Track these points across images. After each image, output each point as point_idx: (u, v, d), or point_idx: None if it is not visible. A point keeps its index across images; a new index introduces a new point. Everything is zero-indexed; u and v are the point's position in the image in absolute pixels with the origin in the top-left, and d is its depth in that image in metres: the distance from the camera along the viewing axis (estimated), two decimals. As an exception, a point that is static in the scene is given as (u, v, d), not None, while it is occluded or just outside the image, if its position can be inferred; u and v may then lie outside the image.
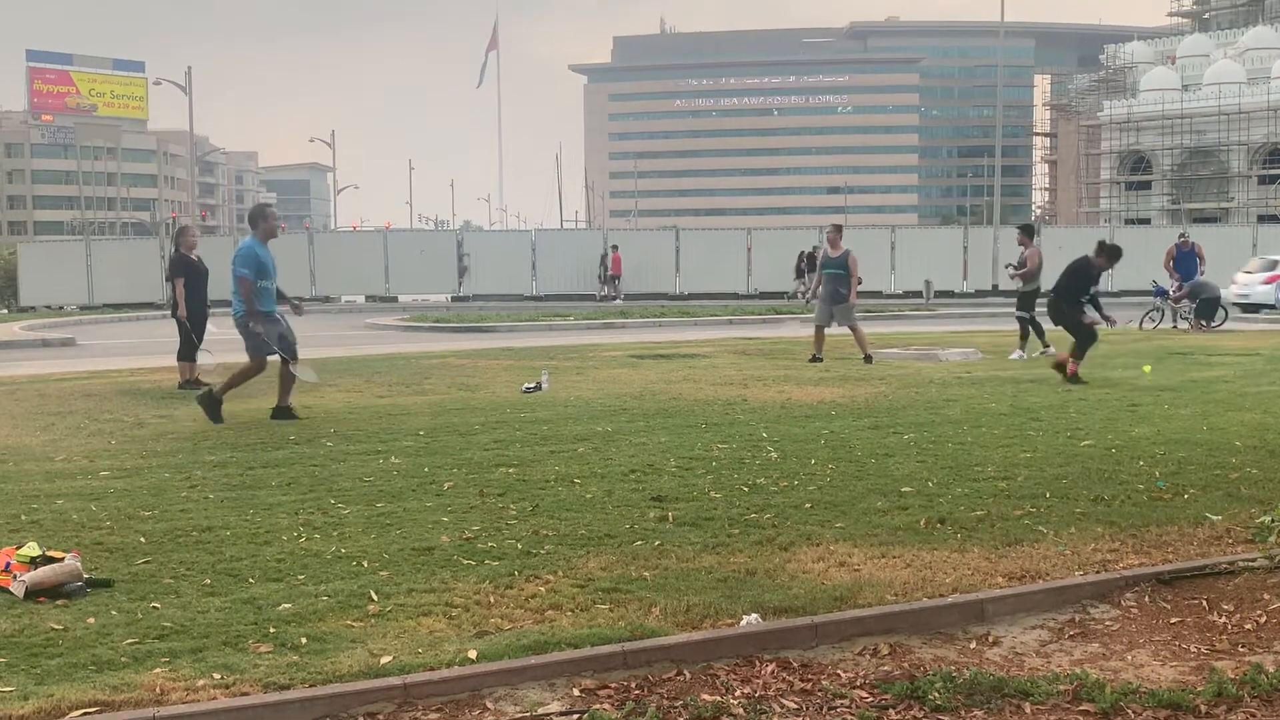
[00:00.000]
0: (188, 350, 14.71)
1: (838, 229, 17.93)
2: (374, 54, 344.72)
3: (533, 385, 13.64)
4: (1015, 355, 17.73)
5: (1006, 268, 19.37)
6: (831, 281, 17.33)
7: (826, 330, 17.45)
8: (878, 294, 41.41)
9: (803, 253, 41.00)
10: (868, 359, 16.66)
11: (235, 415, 11.72)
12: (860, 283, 18.10)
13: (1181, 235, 27.75)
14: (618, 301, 40.42)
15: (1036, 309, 17.90)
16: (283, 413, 11.43)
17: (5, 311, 39.29)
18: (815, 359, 16.94)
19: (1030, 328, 18.02)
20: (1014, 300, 18.76)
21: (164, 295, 29.67)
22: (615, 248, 41.98)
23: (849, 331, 17.43)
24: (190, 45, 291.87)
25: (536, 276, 43.00)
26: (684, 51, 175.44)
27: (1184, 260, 25.63)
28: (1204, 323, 24.43)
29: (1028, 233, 18.96)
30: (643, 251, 43.62)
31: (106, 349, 22.54)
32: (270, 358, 11.60)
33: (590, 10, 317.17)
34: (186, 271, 14.84)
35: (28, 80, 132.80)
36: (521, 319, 30.41)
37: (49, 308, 39.19)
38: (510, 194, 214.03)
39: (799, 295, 39.58)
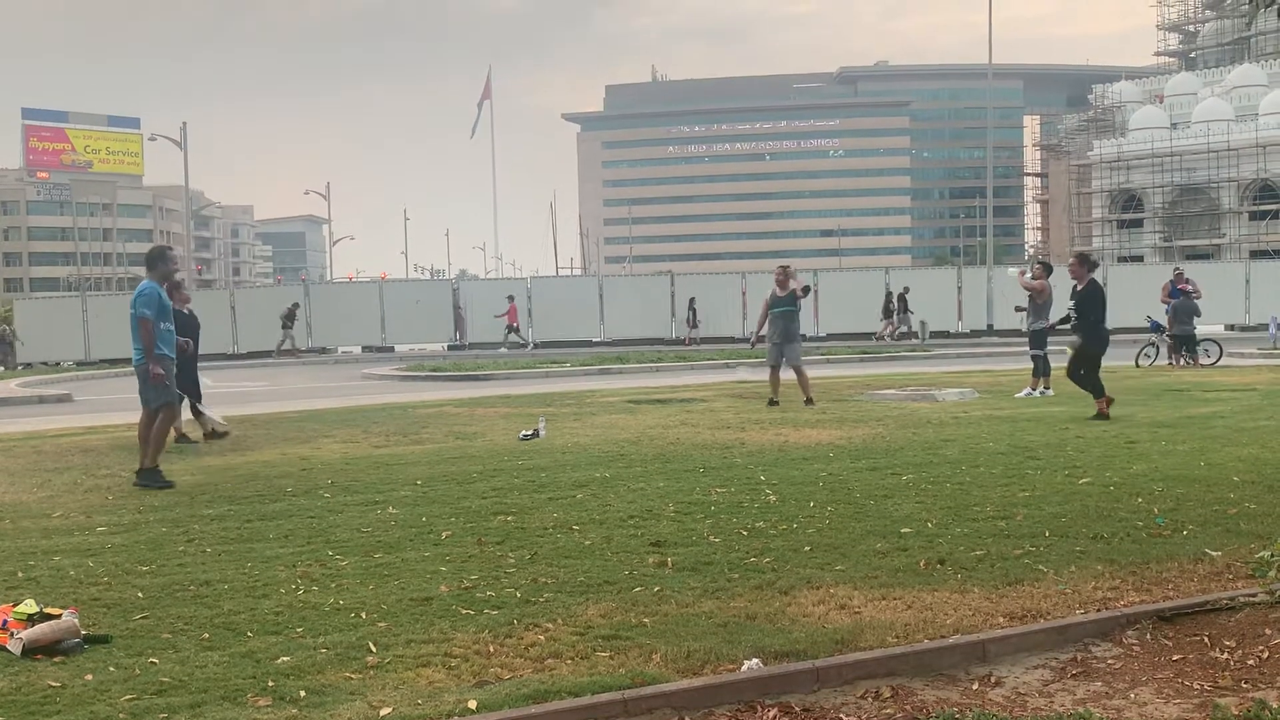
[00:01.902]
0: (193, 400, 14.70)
1: (785, 269, 18.09)
2: (368, 106, 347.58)
3: (530, 432, 13.63)
4: (1024, 393, 17.74)
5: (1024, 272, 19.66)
6: (782, 320, 17.39)
7: (781, 371, 17.52)
8: (872, 335, 41.54)
9: (891, 293, 41.27)
10: (809, 402, 16.82)
11: (233, 468, 11.71)
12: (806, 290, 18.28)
13: (1176, 269, 28.00)
14: (527, 350, 40.59)
15: (1049, 346, 18.10)
16: (152, 476, 10.62)
17: (1, 369, 39.25)
18: (773, 402, 16.96)
19: (1040, 364, 18.08)
20: (1007, 338, 18.84)
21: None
22: (511, 298, 42.14)
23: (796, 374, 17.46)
24: (185, 101, 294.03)
25: (532, 324, 43.06)
26: (675, 99, 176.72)
27: (1178, 295, 25.78)
28: (1188, 357, 24.43)
29: (1047, 270, 19.13)
30: (638, 297, 43.72)
31: (103, 404, 22.50)
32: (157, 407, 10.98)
33: (582, 60, 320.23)
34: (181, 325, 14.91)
35: (23, 138, 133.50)
36: (518, 366, 30.41)
37: (45, 364, 39.17)
38: (505, 242, 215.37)
39: (885, 337, 40.11)
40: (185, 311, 15.16)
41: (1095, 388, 14.57)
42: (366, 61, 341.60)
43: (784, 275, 17.76)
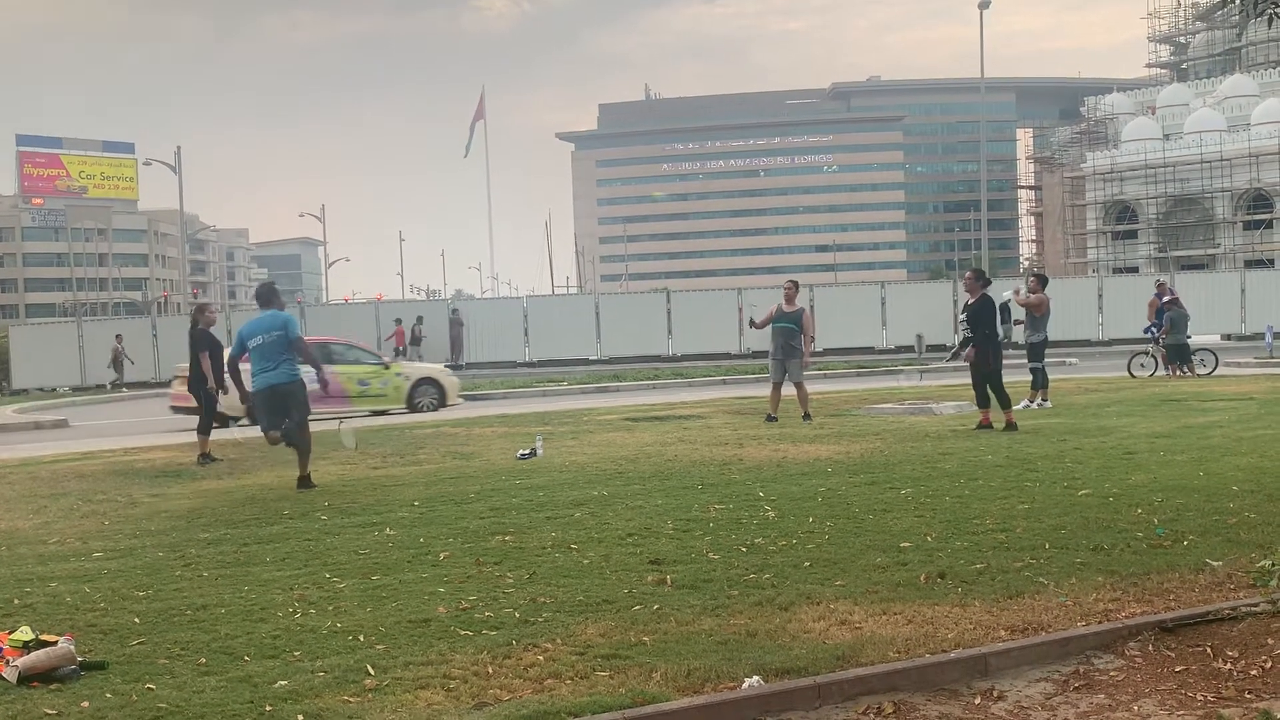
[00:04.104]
0: (208, 423, 14.81)
1: (794, 285, 18.21)
2: (362, 128, 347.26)
3: (527, 451, 13.60)
4: (1022, 405, 17.72)
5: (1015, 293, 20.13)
6: (783, 336, 17.32)
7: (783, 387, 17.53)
8: (869, 349, 41.52)
9: (1000, 304, 41.15)
10: (806, 417, 16.80)
11: (230, 492, 11.69)
12: (813, 340, 18.44)
13: (1158, 281, 28.07)
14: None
15: (1045, 358, 18.39)
16: (307, 482, 11.75)
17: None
18: (770, 418, 16.90)
19: (1039, 377, 18.19)
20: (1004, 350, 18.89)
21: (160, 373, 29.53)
22: (398, 321, 42.33)
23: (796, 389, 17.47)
24: (179, 124, 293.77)
25: (529, 343, 43.02)
26: (669, 117, 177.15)
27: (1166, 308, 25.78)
28: (1182, 368, 24.36)
29: (1042, 282, 19.38)
30: (634, 314, 43.69)
31: (99, 429, 22.46)
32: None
33: (575, 80, 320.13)
34: (210, 345, 15.04)
35: (18, 164, 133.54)
36: (515, 385, 30.39)
37: (41, 390, 39.08)
38: (501, 262, 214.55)
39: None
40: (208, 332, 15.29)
41: (985, 398, 14.97)
42: (360, 84, 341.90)
43: (794, 290, 17.87)
